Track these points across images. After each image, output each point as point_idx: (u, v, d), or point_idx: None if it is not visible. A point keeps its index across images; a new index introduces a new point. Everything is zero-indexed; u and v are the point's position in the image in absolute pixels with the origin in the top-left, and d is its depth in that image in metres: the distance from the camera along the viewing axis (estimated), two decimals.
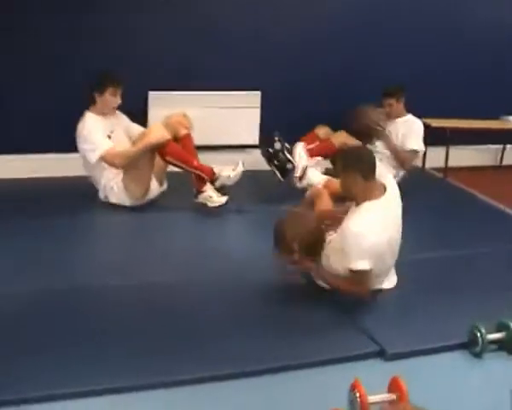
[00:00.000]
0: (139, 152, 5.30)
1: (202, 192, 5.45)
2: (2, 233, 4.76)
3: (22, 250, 4.57)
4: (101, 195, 5.53)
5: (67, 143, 5.57)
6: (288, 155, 5.83)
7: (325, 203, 4.60)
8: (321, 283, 4.11)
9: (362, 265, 3.80)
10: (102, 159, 5.35)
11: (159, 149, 5.38)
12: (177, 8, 6.20)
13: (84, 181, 5.62)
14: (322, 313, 3.93)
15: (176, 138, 5.50)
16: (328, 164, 6.06)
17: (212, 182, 5.47)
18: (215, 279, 4.32)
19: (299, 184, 5.68)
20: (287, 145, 5.89)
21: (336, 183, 5.11)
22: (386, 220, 3.92)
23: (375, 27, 6.76)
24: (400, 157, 6.04)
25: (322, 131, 6.20)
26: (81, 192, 5.59)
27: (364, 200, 3.89)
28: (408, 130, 6.16)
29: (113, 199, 5.47)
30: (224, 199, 5.43)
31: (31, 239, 4.76)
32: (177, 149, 5.47)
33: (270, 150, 5.87)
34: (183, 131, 5.57)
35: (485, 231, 5.40)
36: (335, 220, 4.20)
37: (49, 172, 6.00)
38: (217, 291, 4.18)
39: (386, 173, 4.24)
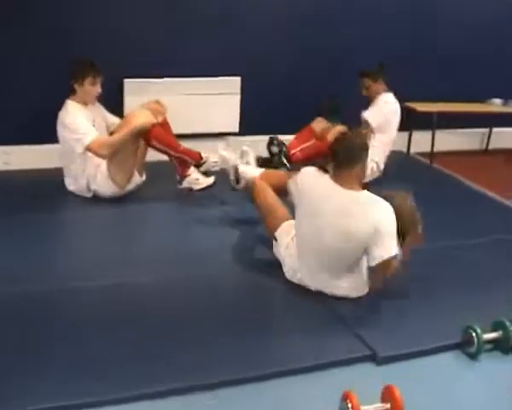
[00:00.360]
0: (125, 138, 5.11)
1: (187, 176, 5.31)
2: None
3: None
4: (81, 182, 5.27)
5: (37, 134, 5.49)
6: (284, 159, 5.65)
7: (264, 192, 4.43)
8: None
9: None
10: (88, 148, 5.14)
11: (144, 134, 5.19)
12: None
13: (57, 173, 5.40)
14: (311, 316, 3.76)
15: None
16: None
17: (197, 166, 5.32)
18: (196, 279, 4.12)
19: (238, 187, 5.04)
20: (284, 149, 5.72)
21: (272, 174, 4.89)
22: (319, 198, 3.84)
23: (360, 9, 6.59)
24: None
25: (319, 125, 5.88)
26: (54, 185, 5.38)
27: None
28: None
29: (95, 186, 5.24)
30: (211, 180, 5.31)
31: (2, 237, 4.51)
32: (163, 133, 5.30)
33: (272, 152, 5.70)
34: (160, 118, 5.36)
35: (474, 221, 5.27)
36: None
37: (19, 164, 5.79)
38: (198, 292, 3.99)
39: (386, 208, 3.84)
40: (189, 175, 5.31)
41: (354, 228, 3.70)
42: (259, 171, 4.90)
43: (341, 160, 3.79)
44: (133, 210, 5.16)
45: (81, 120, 5.18)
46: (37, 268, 4.12)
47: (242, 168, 4.95)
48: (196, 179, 5.31)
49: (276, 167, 5.63)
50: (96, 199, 5.25)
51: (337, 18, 6.53)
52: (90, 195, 5.28)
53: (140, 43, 5.92)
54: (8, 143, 5.80)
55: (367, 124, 5.83)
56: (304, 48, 6.46)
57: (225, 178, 5.11)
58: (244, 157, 5.14)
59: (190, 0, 6.12)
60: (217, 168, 5.28)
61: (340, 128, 5.72)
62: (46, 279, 3.98)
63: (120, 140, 5.12)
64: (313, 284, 3.90)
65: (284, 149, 5.74)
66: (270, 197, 4.38)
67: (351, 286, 3.89)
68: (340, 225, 3.73)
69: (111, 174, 5.17)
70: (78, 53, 5.32)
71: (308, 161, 5.73)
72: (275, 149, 5.73)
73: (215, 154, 5.27)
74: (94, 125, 5.27)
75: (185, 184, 5.32)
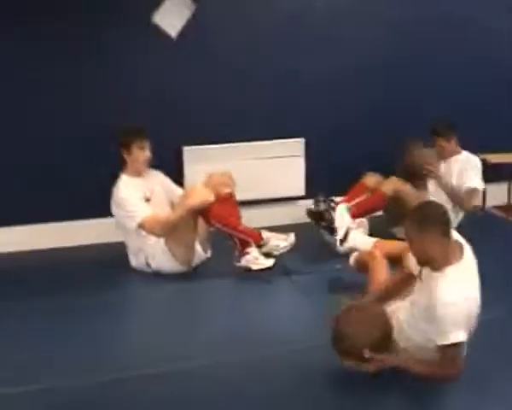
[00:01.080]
0: (180, 217, 4.92)
1: (246, 254, 4.97)
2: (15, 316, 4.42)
3: (43, 336, 4.14)
4: (140, 260, 5.13)
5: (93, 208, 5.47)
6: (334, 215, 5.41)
7: (381, 268, 4.18)
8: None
9: (460, 336, 3.29)
10: (141, 227, 5.00)
11: (202, 212, 4.97)
12: (207, 56, 5.78)
13: (114, 248, 5.32)
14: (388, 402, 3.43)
15: (218, 199, 5.04)
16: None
17: (259, 247, 5.01)
18: (257, 364, 3.79)
19: (341, 248, 5.11)
20: (332, 205, 5.46)
21: (387, 244, 4.65)
22: (471, 285, 3.42)
23: (422, 62, 6.28)
24: (458, 197, 5.57)
25: (371, 180, 5.73)
26: (108, 261, 5.30)
27: (446, 263, 3.35)
28: (463, 167, 5.72)
29: (155, 264, 5.07)
30: (271, 262, 4.94)
31: (52, 323, 4.32)
32: (222, 212, 5.03)
33: (313, 209, 5.47)
34: (225, 192, 5.15)
35: None
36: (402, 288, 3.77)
37: (70, 241, 5.68)
38: (260, 379, 3.66)
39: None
40: (248, 253, 4.97)
41: None
42: (371, 240, 4.69)
43: (447, 230, 3.41)
44: (194, 288, 4.91)
45: (132, 197, 5.05)
46: (92, 356, 3.90)
47: (354, 233, 4.81)
48: (256, 259, 4.94)
49: (329, 224, 5.36)
50: (158, 275, 5.05)
51: (403, 72, 6.26)
52: (150, 270, 5.10)
53: (197, 109, 5.77)
54: (62, 220, 5.70)
55: (474, 192, 5.71)
56: (368, 104, 6.19)
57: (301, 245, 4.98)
58: (359, 226, 5.04)
59: (248, 61, 5.91)
60: (278, 252, 4.98)
61: (393, 179, 5.52)
62: (103, 369, 3.75)
63: (174, 220, 4.93)
64: None
65: (333, 204, 5.46)
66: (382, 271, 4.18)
67: None
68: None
69: (171, 250, 4.98)
70: (133, 122, 5.18)
71: (364, 215, 5.52)
72: (322, 206, 5.44)
73: (279, 235, 5.02)
74: (150, 197, 5.15)
75: (243, 262, 4.98)
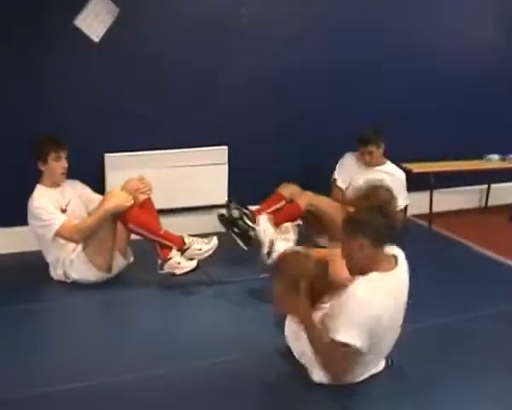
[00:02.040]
0: (96, 222, 4.81)
1: (168, 260, 4.89)
2: None
3: None
4: (58, 271, 4.97)
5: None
6: (249, 222, 5.30)
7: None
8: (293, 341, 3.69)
9: (351, 339, 3.23)
10: (58, 234, 4.85)
11: (120, 217, 4.88)
12: (129, 63, 5.67)
13: (33, 256, 5.13)
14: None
15: (136, 204, 4.96)
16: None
17: (181, 252, 4.92)
18: (187, 375, 3.72)
19: (269, 261, 4.69)
20: (246, 211, 5.39)
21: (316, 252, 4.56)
22: (393, 298, 3.38)
23: (347, 72, 6.28)
24: None
25: (286, 190, 5.68)
26: (29, 270, 5.13)
27: (371, 270, 3.32)
28: (395, 186, 5.66)
29: (74, 274, 4.92)
30: (194, 263, 4.88)
31: None
32: (141, 216, 4.96)
33: (226, 215, 5.39)
34: (141, 197, 5.06)
35: (482, 289, 4.94)
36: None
37: None
38: (190, 394, 3.55)
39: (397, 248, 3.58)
40: (170, 258, 4.88)
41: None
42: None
43: (379, 240, 3.36)
44: (115, 298, 4.79)
45: (47, 206, 4.89)
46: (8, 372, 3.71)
47: (280, 244, 4.62)
48: (178, 263, 4.87)
49: (243, 232, 5.30)
50: (79, 285, 4.90)
51: (330, 81, 6.26)
52: (69, 281, 4.96)
53: (120, 116, 5.64)
54: None
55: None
56: (291, 114, 6.18)
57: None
58: (284, 233, 4.78)
59: (169, 69, 5.81)
60: (200, 257, 4.89)
61: (308, 194, 5.49)
62: (22, 385, 3.56)
63: (91, 224, 4.83)
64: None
65: (247, 211, 5.40)
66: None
67: None
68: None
69: (90, 258, 4.86)
70: (54, 129, 5.06)
71: (279, 223, 5.45)
72: (236, 214, 5.36)
73: (201, 239, 4.95)
74: (67, 208, 5.00)
75: (166, 268, 4.89)
